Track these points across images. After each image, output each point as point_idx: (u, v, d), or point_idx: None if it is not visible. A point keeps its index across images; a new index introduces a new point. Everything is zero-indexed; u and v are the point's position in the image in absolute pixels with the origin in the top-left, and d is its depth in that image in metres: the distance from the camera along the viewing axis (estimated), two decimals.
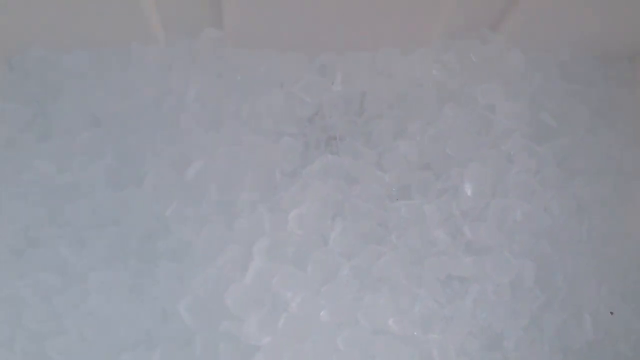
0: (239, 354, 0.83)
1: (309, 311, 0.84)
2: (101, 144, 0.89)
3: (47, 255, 0.85)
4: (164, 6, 0.91)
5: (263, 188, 0.89)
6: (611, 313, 0.91)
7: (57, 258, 0.85)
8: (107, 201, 0.87)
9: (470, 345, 0.87)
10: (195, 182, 0.88)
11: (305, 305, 0.84)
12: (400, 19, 0.93)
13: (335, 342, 0.84)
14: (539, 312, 0.89)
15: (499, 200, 0.90)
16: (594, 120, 0.97)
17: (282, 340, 0.83)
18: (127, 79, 0.95)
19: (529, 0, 0.91)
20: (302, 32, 0.96)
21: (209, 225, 0.86)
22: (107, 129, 0.92)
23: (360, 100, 0.98)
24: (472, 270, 0.89)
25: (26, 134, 0.91)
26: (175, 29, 0.96)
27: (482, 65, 0.97)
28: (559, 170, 0.93)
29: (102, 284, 0.84)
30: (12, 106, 0.92)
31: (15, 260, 0.85)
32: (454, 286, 0.89)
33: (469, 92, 0.96)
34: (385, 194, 0.92)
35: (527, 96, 0.97)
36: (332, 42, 0.97)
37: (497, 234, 0.90)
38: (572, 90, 0.99)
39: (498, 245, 0.90)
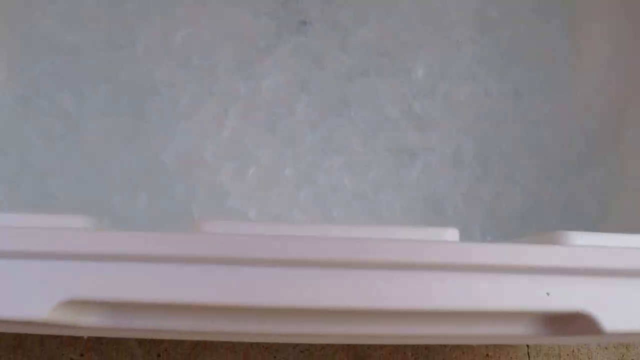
0: (214, 198, 0.94)
1: (275, 166, 0.96)
2: (100, 10, 0.99)
3: (51, 104, 0.95)
4: None
5: (240, 58, 1.00)
6: None
7: (59, 107, 0.95)
8: (104, 60, 0.97)
9: (415, 206, 0.99)
10: (181, 48, 0.98)
11: (272, 162, 0.96)
12: None
13: (297, 197, 0.96)
14: (476, 183, 1.00)
15: (446, 82, 1.02)
16: (535, 17, 1.06)
17: (251, 187, 0.95)
18: None
19: None
20: None
21: (191, 87, 0.97)
22: None
23: None
24: (420, 143, 1.00)
25: None
26: None
27: None
28: (500, 59, 1.04)
29: (98, 133, 0.95)
30: None
31: (22, 107, 0.95)
32: (403, 157, 1.00)
33: None
34: (346, 73, 1.02)
35: None
36: None
37: (443, 112, 1.01)
38: None
39: (443, 122, 1.01)
